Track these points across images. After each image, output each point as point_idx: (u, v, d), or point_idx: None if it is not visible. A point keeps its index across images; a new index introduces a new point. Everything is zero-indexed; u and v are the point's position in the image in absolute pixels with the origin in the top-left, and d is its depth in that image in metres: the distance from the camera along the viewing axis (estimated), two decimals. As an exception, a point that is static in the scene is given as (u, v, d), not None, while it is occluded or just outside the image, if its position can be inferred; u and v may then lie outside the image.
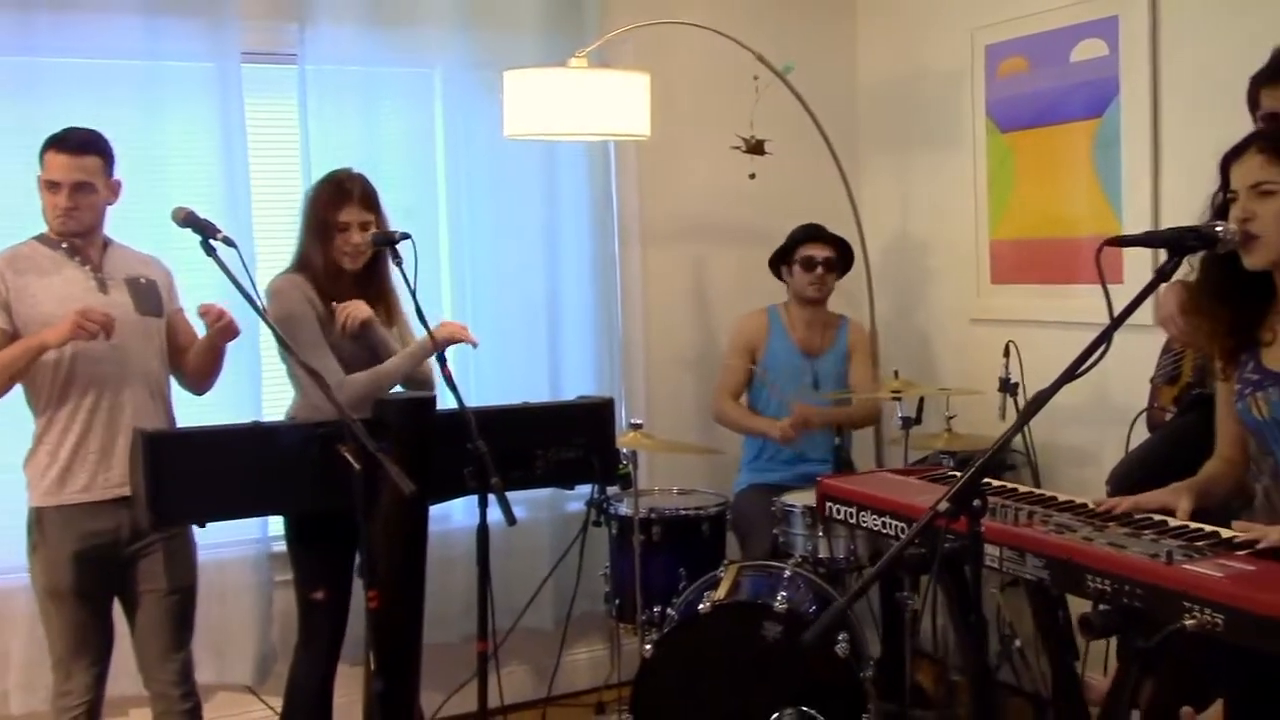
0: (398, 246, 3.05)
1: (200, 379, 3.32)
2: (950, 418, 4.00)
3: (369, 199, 3.34)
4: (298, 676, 3.37)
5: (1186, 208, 3.51)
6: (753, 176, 4.24)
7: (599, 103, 3.63)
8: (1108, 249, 2.12)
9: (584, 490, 3.93)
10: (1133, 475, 3.21)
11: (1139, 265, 3.66)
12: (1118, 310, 2.04)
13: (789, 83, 4.23)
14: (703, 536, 3.96)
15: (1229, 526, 2.10)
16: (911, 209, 4.79)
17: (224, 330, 3.12)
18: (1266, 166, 2.24)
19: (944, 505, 1.94)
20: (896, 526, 2.38)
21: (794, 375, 4.36)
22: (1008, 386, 3.95)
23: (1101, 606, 1.90)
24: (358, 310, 3.27)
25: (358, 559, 2.97)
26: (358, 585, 3.07)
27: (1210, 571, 1.79)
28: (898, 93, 4.81)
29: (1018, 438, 3.99)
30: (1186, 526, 2.12)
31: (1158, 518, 2.20)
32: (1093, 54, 3.95)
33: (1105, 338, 2.02)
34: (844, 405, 4.34)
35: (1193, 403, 3.29)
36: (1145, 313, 3.37)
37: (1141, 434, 3.48)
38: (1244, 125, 3.08)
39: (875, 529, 2.45)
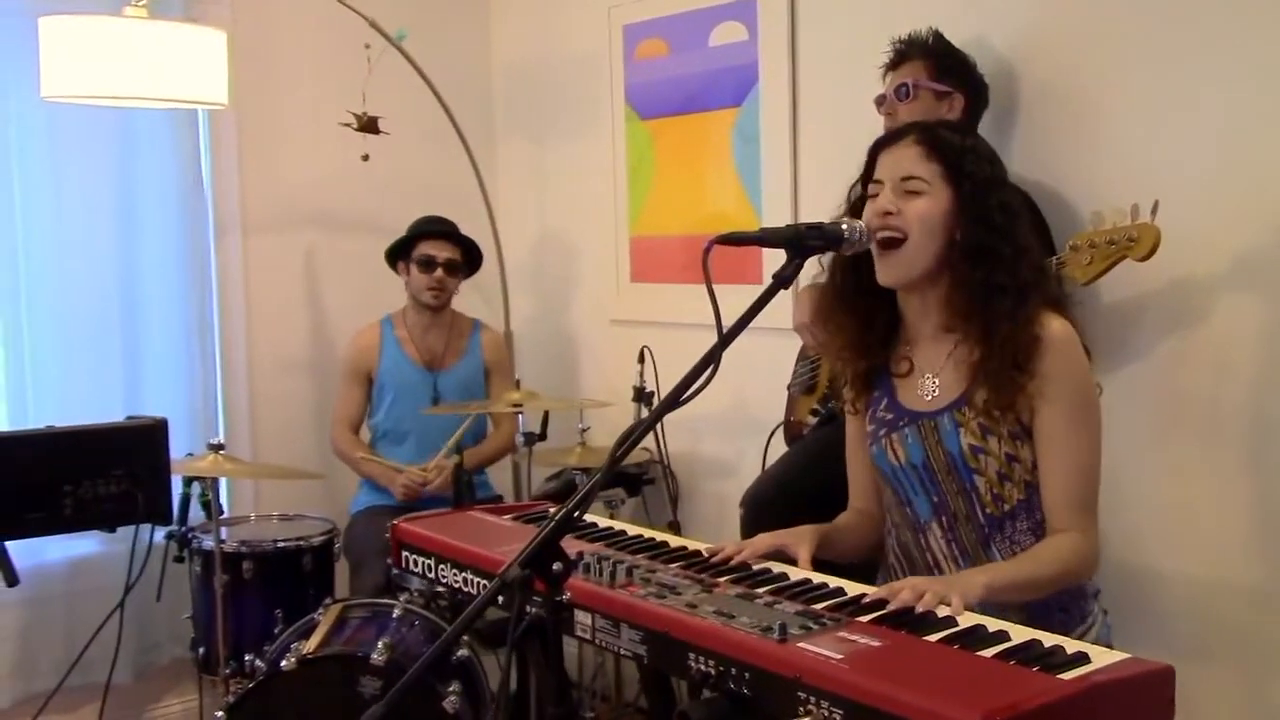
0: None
1: None
2: (584, 430, 3.65)
3: None
4: None
5: (823, 205, 3.28)
6: (366, 158, 3.75)
7: (162, 63, 2.98)
8: (720, 248, 1.75)
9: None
10: (767, 498, 2.95)
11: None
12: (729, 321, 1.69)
13: (406, 52, 3.75)
14: (304, 571, 3.43)
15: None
16: (549, 201, 4.40)
17: None
18: (920, 161, 1.93)
19: (514, 571, 1.53)
20: (478, 584, 1.95)
21: (412, 392, 3.83)
22: (643, 396, 3.65)
23: (705, 694, 1.54)
24: None
25: None
26: None
27: (828, 653, 1.44)
28: (534, 74, 4.39)
29: (656, 448, 3.74)
30: (809, 581, 1.79)
31: (777, 569, 1.85)
32: (732, 38, 3.67)
33: (712, 359, 1.64)
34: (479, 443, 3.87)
35: (831, 415, 3.05)
36: (785, 315, 3.11)
37: (780, 447, 3.23)
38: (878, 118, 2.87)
39: (456, 586, 2.01)
